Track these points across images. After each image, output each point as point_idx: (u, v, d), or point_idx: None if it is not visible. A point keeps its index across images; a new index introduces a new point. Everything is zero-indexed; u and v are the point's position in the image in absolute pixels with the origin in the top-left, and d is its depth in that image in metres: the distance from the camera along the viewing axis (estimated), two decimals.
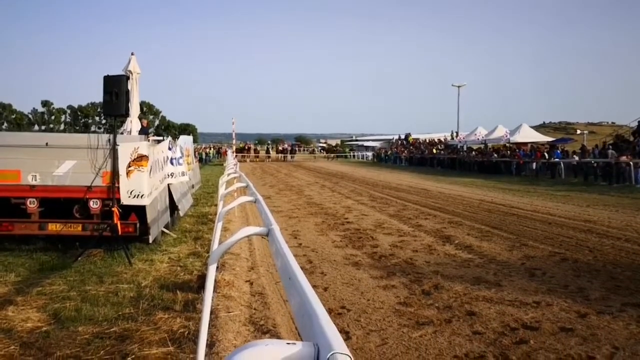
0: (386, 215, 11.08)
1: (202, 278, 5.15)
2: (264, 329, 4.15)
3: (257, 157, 54.19)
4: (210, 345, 3.61)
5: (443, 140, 46.76)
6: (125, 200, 6.48)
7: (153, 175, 7.10)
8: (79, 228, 6.74)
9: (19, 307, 4.60)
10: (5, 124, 77.10)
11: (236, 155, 39.09)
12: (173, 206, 8.83)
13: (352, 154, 65.72)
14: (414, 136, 55.94)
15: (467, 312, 4.60)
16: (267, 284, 5.60)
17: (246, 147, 58.97)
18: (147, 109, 77.96)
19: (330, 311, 4.52)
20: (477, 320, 4.41)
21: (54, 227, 6.71)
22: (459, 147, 38.34)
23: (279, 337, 3.93)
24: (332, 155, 62.65)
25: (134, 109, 10.66)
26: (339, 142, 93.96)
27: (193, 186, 13.80)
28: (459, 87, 43.44)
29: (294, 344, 1.02)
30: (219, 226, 5.27)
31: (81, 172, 6.68)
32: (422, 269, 6.25)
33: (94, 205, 6.76)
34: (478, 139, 35.61)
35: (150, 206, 6.88)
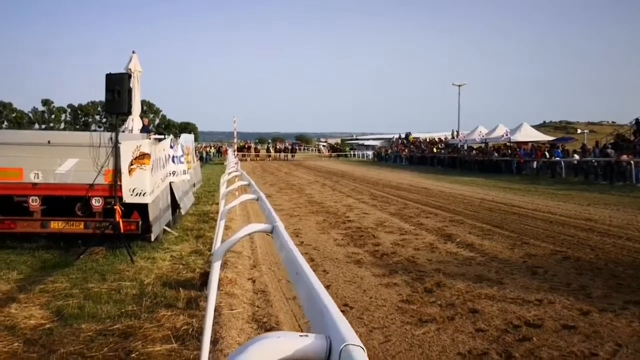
0: (387, 214, 11.08)
1: (205, 275, 5.16)
2: (267, 326, 4.16)
3: (258, 156, 54.18)
4: (214, 342, 3.62)
5: (443, 140, 46.69)
6: (128, 198, 6.48)
7: (155, 174, 7.11)
8: (81, 226, 6.74)
9: (21, 305, 4.61)
10: (6, 123, 77.01)
11: (237, 154, 39.05)
12: (175, 204, 8.83)
13: (352, 152, 65.74)
14: (414, 135, 55.88)
15: (470, 310, 4.61)
16: (270, 281, 5.61)
17: (246, 146, 58.86)
18: (147, 108, 77.86)
19: None
20: (480, 317, 4.41)
21: (56, 225, 6.71)
22: (459, 146, 38.31)
23: None
24: (334, 153, 62.72)
25: (136, 107, 10.64)
26: (338, 141, 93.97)
27: (194, 185, 13.81)
28: (459, 86, 43.41)
29: (307, 336, 1.02)
30: (221, 224, 5.29)
31: (83, 170, 6.69)
32: (424, 267, 6.25)
33: (96, 203, 6.76)
34: (478, 138, 35.61)
35: (152, 204, 6.89)
